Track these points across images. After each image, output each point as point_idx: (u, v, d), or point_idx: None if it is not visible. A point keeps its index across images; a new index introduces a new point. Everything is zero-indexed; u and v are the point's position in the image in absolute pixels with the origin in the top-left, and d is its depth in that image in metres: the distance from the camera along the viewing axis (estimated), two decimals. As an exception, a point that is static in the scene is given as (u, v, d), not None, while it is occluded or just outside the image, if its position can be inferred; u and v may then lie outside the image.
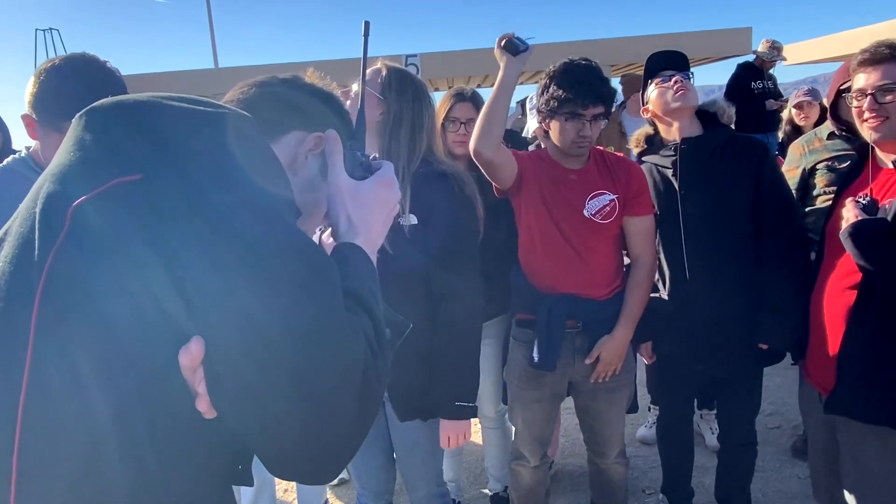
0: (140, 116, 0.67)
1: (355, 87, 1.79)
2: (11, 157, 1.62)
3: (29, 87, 1.46)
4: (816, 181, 2.77)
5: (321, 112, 0.90)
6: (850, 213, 1.68)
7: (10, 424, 0.61)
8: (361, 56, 0.92)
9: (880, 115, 1.69)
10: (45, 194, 0.66)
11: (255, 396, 0.62)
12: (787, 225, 2.16)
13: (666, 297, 2.28)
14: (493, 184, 2.12)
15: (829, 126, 2.73)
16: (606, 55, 6.81)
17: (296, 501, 2.85)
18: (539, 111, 2.12)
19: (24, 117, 1.47)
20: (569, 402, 2.37)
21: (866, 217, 1.63)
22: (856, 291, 1.71)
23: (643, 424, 3.37)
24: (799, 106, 3.90)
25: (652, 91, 2.22)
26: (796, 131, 3.93)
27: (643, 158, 2.34)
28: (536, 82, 2.31)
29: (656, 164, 2.27)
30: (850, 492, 1.80)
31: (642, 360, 2.45)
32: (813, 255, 2.17)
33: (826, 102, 2.42)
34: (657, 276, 2.29)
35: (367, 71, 1.83)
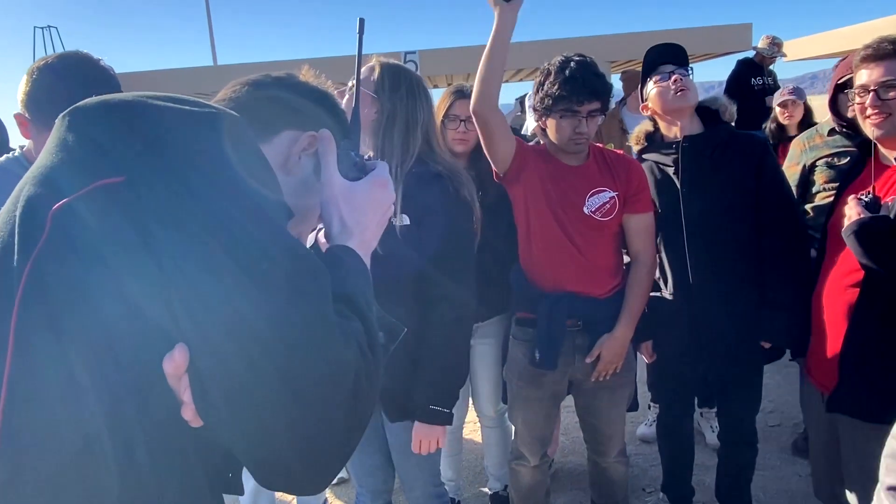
0: (124, 116, 0.65)
1: (351, 83, 1.77)
2: (5, 156, 1.61)
3: (22, 85, 1.44)
4: (816, 178, 2.77)
5: (315, 111, 0.88)
6: (852, 211, 1.66)
7: None
8: (356, 54, 0.90)
9: (883, 112, 1.68)
10: (25, 197, 0.64)
11: (246, 401, 0.60)
12: (788, 223, 2.15)
13: (668, 296, 2.27)
14: (493, 168, 2.10)
15: (830, 122, 2.71)
16: (606, 51, 6.78)
17: (295, 501, 2.84)
18: (535, 110, 2.10)
19: (17, 116, 1.46)
20: (569, 401, 2.36)
21: (869, 215, 1.62)
22: (858, 290, 1.70)
23: (643, 422, 3.36)
24: (783, 104, 3.91)
25: (651, 89, 2.20)
26: (781, 130, 3.96)
27: (644, 156, 2.32)
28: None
29: (657, 162, 2.26)
30: (851, 490, 1.79)
31: (643, 358, 2.45)
32: (814, 253, 2.16)
33: (827, 98, 2.40)
34: (658, 274, 2.27)
35: (362, 69, 1.81)
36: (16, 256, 0.61)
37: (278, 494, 2.98)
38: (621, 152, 2.29)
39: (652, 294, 2.21)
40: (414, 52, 6.42)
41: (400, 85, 1.75)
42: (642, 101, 2.28)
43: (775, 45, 6.09)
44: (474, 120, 1.99)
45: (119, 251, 0.59)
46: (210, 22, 17.67)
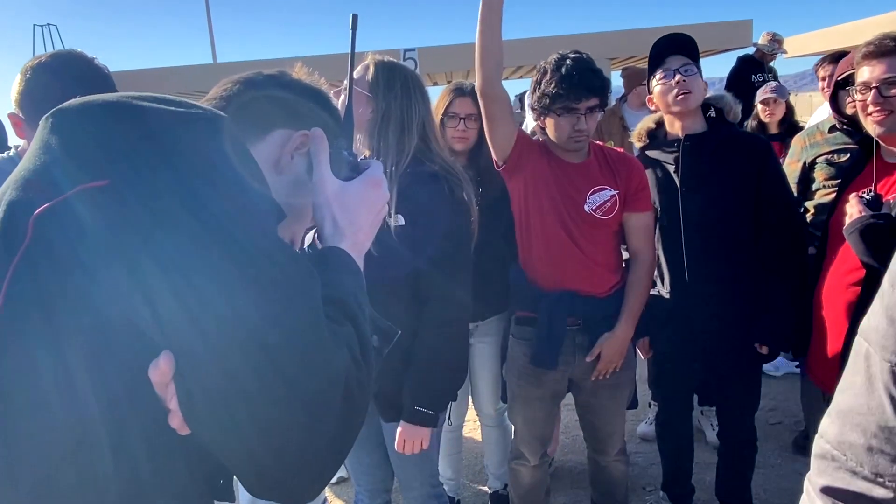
0: (108, 118, 0.64)
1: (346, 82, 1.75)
2: (0, 155, 1.60)
3: (15, 84, 1.43)
4: (816, 175, 2.76)
5: (308, 110, 0.87)
6: (853, 209, 1.66)
7: None
8: (350, 51, 0.89)
9: (885, 109, 1.67)
10: (6, 202, 0.63)
11: (229, 409, 0.59)
12: (787, 226, 2.14)
13: (665, 295, 2.26)
14: (493, 157, 2.08)
15: (831, 119, 2.70)
16: (606, 48, 6.75)
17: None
18: (533, 109, 2.09)
19: (11, 116, 1.44)
20: (569, 399, 2.35)
21: (870, 213, 1.61)
22: (858, 288, 1.69)
23: (644, 421, 3.35)
24: (765, 102, 3.92)
25: (655, 85, 2.18)
26: (762, 127, 3.98)
27: (646, 153, 2.31)
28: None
29: (658, 160, 2.24)
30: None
31: (642, 356, 2.44)
32: (813, 250, 2.15)
33: (826, 96, 2.39)
34: (656, 272, 2.26)
35: (357, 67, 1.79)
36: None
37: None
38: (622, 150, 2.27)
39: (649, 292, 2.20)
40: (413, 50, 6.40)
41: (395, 83, 1.73)
42: (648, 93, 2.26)
43: (776, 41, 6.07)
44: (481, 102, 1.97)
45: (101, 256, 0.58)
46: (209, 19, 17.64)
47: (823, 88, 3.76)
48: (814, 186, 2.77)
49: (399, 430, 1.76)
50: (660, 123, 2.30)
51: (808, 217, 2.77)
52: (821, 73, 3.75)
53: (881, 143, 1.77)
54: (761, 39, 6.17)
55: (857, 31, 7.47)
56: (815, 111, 4.07)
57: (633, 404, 2.34)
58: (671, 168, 2.19)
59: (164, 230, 0.58)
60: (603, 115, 2.31)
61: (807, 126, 3.89)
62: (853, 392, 0.64)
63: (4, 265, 0.60)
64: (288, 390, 0.60)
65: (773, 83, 4.12)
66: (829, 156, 2.70)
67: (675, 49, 2.14)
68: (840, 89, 2.26)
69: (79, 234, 0.59)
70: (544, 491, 2.43)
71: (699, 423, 3.22)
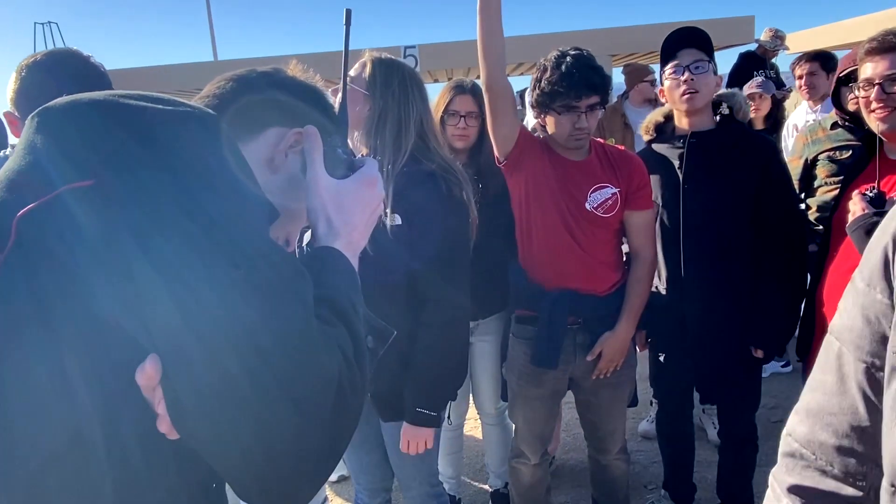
0: (94, 117, 0.63)
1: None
2: None
3: (10, 83, 1.42)
4: (818, 172, 2.75)
5: (302, 107, 0.86)
6: (856, 206, 1.64)
7: None
8: (343, 47, 0.87)
9: (888, 106, 1.65)
10: None
11: (217, 412, 0.58)
12: (788, 229, 2.12)
13: (662, 290, 2.25)
14: (495, 153, 2.06)
15: (833, 116, 2.69)
16: (607, 45, 6.74)
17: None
18: (533, 106, 2.07)
19: (7, 115, 1.43)
20: (570, 397, 2.34)
21: (873, 210, 1.60)
22: (861, 286, 1.68)
23: (645, 419, 3.34)
24: (751, 97, 3.90)
25: (665, 79, 2.16)
26: (748, 123, 3.93)
27: (652, 146, 2.29)
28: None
29: (664, 155, 2.22)
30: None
31: (644, 354, 2.43)
32: (814, 248, 2.14)
33: (833, 92, 2.37)
34: (654, 268, 2.25)
35: (355, 65, 1.77)
36: None
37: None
38: (622, 148, 2.26)
39: None
40: (413, 47, 6.38)
41: (392, 80, 1.71)
42: (660, 86, 2.24)
43: (778, 37, 6.04)
44: (486, 97, 1.96)
45: (87, 257, 0.57)
46: (210, 17, 17.63)
47: (800, 87, 3.74)
48: (815, 183, 2.76)
49: (402, 431, 1.77)
50: (669, 117, 2.28)
51: (810, 214, 2.76)
52: (797, 71, 3.73)
53: (884, 139, 1.75)
54: (763, 36, 6.15)
55: (860, 27, 7.44)
56: (795, 110, 4.02)
57: (634, 402, 2.34)
58: (675, 164, 2.18)
59: (156, 229, 0.57)
60: (604, 113, 2.29)
61: (784, 128, 3.88)
62: (823, 391, 0.64)
63: None
64: (281, 391, 0.59)
65: (759, 78, 4.09)
66: (831, 153, 2.69)
67: (688, 42, 2.11)
68: (842, 86, 2.25)
69: (64, 234, 0.58)
70: (545, 489, 2.42)
71: (700, 422, 3.22)
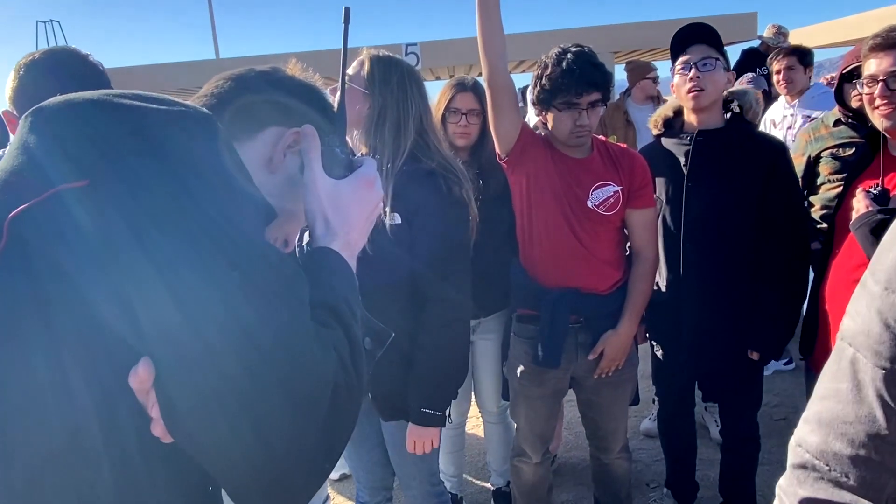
0: (89, 117, 0.62)
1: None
2: None
3: (9, 82, 1.42)
4: (821, 169, 2.74)
5: (301, 107, 0.85)
6: (860, 204, 1.63)
7: None
8: (342, 45, 0.86)
9: (892, 102, 1.64)
10: None
11: (210, 415, 0.57)
12: (790, 232, 2.10)
13: (662, 287, 2.24)
14: (496, 150, 2.05)
15: (836, 113, 2.67)
16: (609, 42, 6.73)
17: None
18: (534, 103, 2.06)
19: (6, 114, 1.43)
20: (572, 395, 2.34)
21: (877, 208, 1.59)
22: (865, 284, 1.67)
23: (647, 417, 3.33)
24: None
25: (674, 75, 2.14)
26: None
27: (661, 140, 2.28)
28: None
29: (670, 150, 2.21)
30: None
31: (647, 353, 2.42)
32: (818, 245, 2.13)
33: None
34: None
35: (353, 63, 1.77)
36: None
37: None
38: (624, 146, 2.25)
39: None
40: (415, 45, 6.37)
41: (391, 78, 1.70)
42: (672, 81, 2.22)
43: (781, 34, 6.02)
44: (488, 93, 1.95)
45: (80, 258, 0.56)
46: (212, 15, 17.63)
47: (778, 81, 3.69)
48: (819, 181, 2.75)
49: (408, 431, 1.77)
50: (678, 112, 2.27)
51: (813, 211, 2.75)
52: (775, 66, 3.69)
53: (888, 136, 1.74)
54: (766, 32, 6.13)
55: (863, 24, 7.42)
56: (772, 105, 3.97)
57: (636, 401, 2.33)
58: (681, 161, 2.16)
59: (152, 230, 0.57)
60: (606, 110, 2.28)
61: (761, 123, 3.86)
62: (837, 399, 0.62)
63: None
64: (280, 390, 0.59)
65: (750, 74, 4.05)
66: (835, 150, 2.68)
67: (698, 38, 2.10)
68: (845, 82, 2.24)
69: (58, 234, 0.57)
70: (547, 488, 2.42)
71: (703, 420, 3.20)
